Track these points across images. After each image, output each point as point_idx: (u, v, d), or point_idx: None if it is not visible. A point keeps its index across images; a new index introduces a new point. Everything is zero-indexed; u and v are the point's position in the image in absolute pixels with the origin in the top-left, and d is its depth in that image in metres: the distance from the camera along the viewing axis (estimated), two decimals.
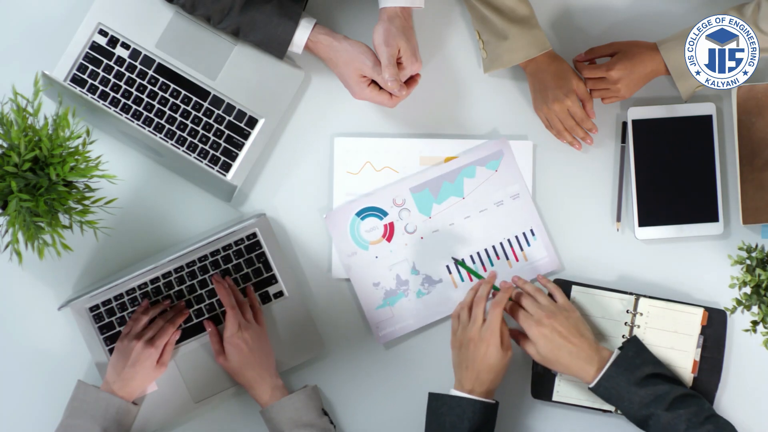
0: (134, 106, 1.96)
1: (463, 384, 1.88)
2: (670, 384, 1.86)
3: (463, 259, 1.98)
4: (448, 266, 1.99)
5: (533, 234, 2.00)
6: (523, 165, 2.00)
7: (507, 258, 1.99)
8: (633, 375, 1.84)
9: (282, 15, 1.90)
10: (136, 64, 1.96)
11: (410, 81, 1.92)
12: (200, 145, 1.97)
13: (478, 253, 1.99)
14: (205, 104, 1.97)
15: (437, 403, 1.88)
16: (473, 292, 1.93)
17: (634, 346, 1.89)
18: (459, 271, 1.98)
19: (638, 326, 1.96)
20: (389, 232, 1.99)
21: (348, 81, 1.92)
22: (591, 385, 1.86)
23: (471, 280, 1.98)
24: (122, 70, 1.96)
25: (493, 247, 1.99)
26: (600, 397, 1.87)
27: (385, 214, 1.99)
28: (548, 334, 1.87)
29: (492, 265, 1.99)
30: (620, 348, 1.88)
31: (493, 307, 1.90)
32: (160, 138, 1.96)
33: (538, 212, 1.99)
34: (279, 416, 1.89)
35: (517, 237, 1.99)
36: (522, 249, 2.00)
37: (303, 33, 1.91)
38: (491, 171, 1.99)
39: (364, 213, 1.99)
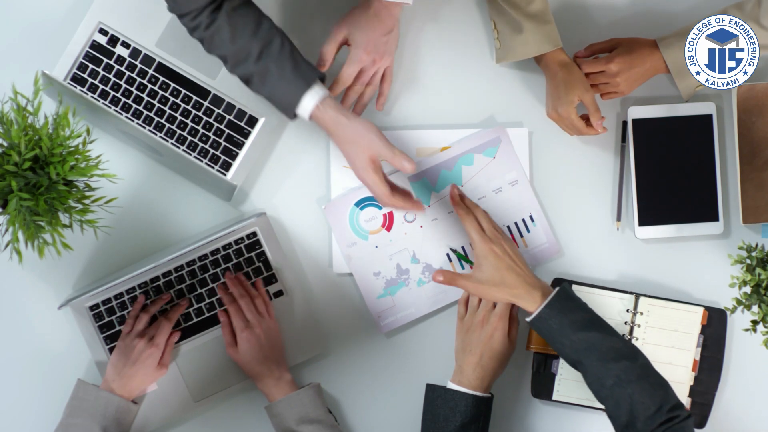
0: (134, 105, 1.96)
1: (463, 370, 1.88)
2: (604, 333, 1.81)
3: (463, 247, 1.98)
4: (448, 254, 1.99)
5: (533, 220, 2.00)
6: (519, 152, 2.00)
7: None
8: (566, 317, 1.81)
9: (296, 78, 1.83)
10: (137, 63, 1.96)
11: (383, 81, 1.96)
12: (200, 144, 1.97)
13: None
14: (205, 103, 1.97)
15: (433, 394, 1.89)
16: None
17: (565, 291, 1.85)
18: (459, 260, 1.98)
19: (638, 325, 1.96)
20: (388, 222, 1.99)
21: (354, 161, 1.85)
22: (531, 317, 1.83)
23: (471, 269, 1.98)
24: (122, 69, 1.96)
25: None
26: (538, 333, 1.84)
27: None
28: (499, 252, 1.86)
29: None
30: (554, 288, 1.86)
31: None
32: (160, 137, 1.96)
33: (537, 198, 1.99)
34: (286, 412, 1.89)
35: (516, 223, 1.99)
36: (522, 235, 1.99)
37: (310, 101, 1.83)
38: (489, 158, 1.99)
39: (363, 203, 1.99)
